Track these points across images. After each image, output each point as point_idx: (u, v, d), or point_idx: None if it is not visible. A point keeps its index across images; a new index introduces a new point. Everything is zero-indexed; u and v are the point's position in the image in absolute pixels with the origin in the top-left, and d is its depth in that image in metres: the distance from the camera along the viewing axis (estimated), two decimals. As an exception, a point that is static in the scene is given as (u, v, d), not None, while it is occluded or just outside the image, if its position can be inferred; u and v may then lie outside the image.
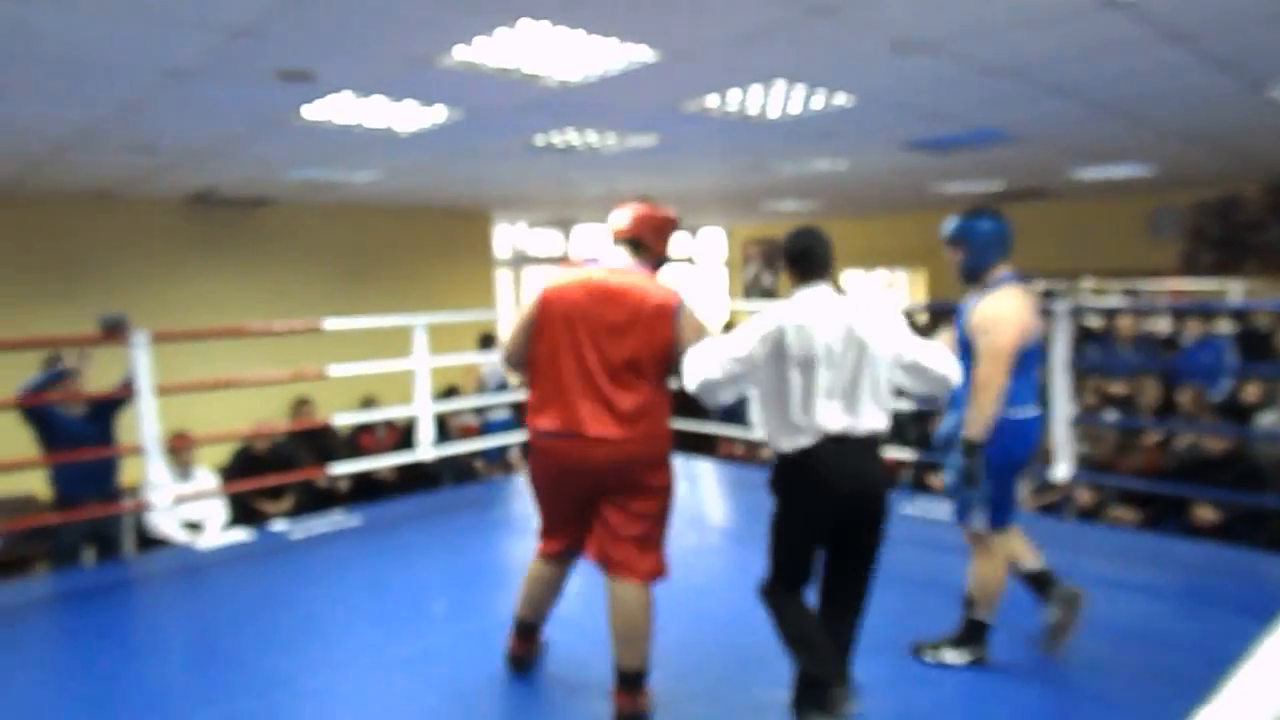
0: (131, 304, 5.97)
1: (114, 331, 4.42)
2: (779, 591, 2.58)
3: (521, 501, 5.73)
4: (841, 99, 4.41)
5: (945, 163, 6.67)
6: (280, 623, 3.62)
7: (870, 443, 2.51)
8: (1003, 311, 2.82)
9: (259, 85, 3.76)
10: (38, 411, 4.49)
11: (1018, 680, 2.96)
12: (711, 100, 4.40)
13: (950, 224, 3.00)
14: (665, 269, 2.89)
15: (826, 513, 2.49)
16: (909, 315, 9.20)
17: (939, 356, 2.57)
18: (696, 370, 2.53)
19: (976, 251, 2.93)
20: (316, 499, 6.19)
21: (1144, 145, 6.10)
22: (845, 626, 2.60)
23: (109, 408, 4.71)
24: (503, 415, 7.29)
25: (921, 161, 6.54)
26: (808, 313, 2.47)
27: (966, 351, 2.89)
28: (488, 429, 7.02)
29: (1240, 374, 6.20)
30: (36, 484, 4.96)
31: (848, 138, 5.51)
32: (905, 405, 5.91)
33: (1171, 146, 6.15)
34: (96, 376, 4.75)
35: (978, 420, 2.78)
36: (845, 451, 2.46)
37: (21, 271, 7.04)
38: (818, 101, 4.45)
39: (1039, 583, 3.08)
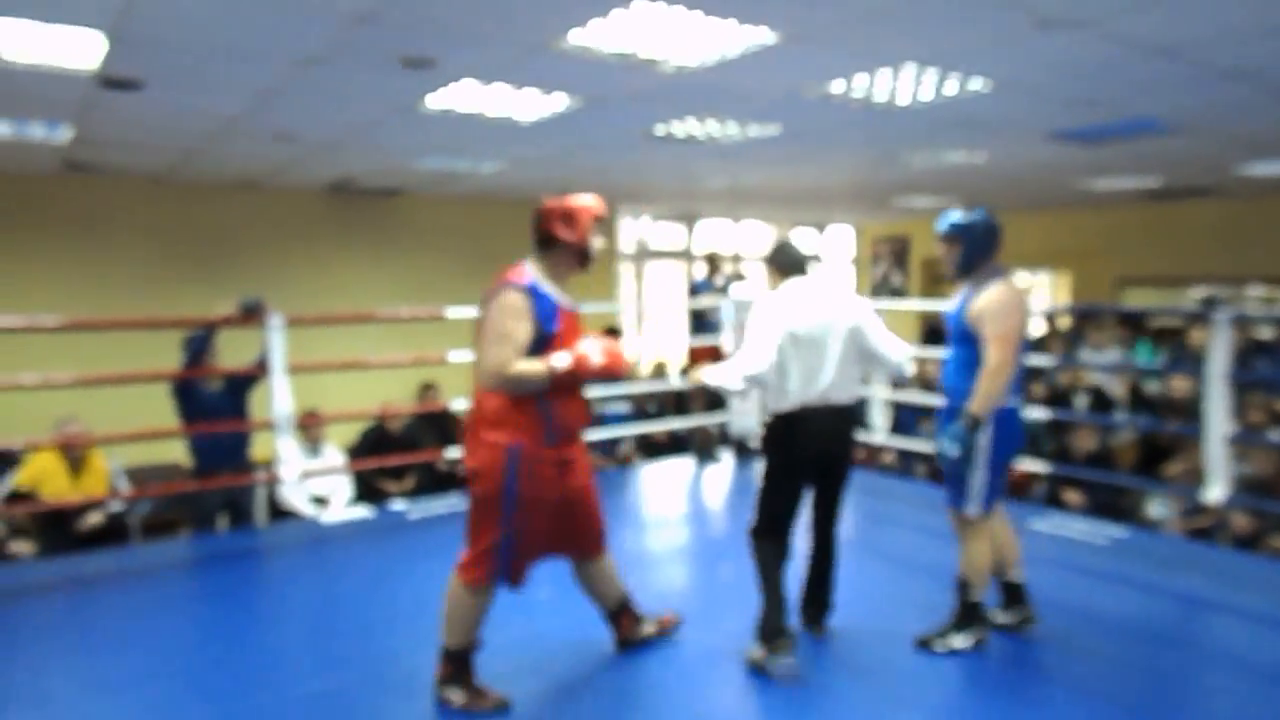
0: (271, 288, 6.29)
1: (252, 314, 4.65)
2: (764, 537, 3.04)
3: (632, 493, 5.71)
4: (978, 84, 4.14)
5: (1095, 156, 6.20)
6: (393, 599, 3.72)
7: (845, 411, 3.06)
8: (1008, 301, 3.04)
9: (384, 73, 3.86)
10: (183, 384, 4.78)
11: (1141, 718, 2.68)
12: (836, 86, 4.22)
13: (946, 221, 3.19)
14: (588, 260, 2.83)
15: (805, 465, 3.04)
16: (1050, 317, 8.65)
17: (895, 345, 3.14)
18: (748, 365, 2.95)
19: (972, 248, 3.14)
20: (436, 481, 6.36)
21: (1329, 136, 5.49)
22: (825, 539, 3.24)
23: (243, 384, 4.96)
24: (620, 409, 7.30)
25: (1068, 154, 6.11)
26: (795, 300, 3.03)
27: (962, 341, 3.12)
28: (604, 421, 7.03)
29: None
30: (180, 454, 5.31)
31: (986, 127, 5.19)
32: (1040, 415, 5.54)
33: (1363, 138, 5.52)
34: (233, 355, 5.01)
35: (986, 398, 2.98)
36: (823, 416, 3.00)
37: (172, 254, 7.56)
38: (951, 87, 4.19)
39: (1008, 592, 3.31)
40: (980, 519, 3.12)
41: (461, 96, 4.36)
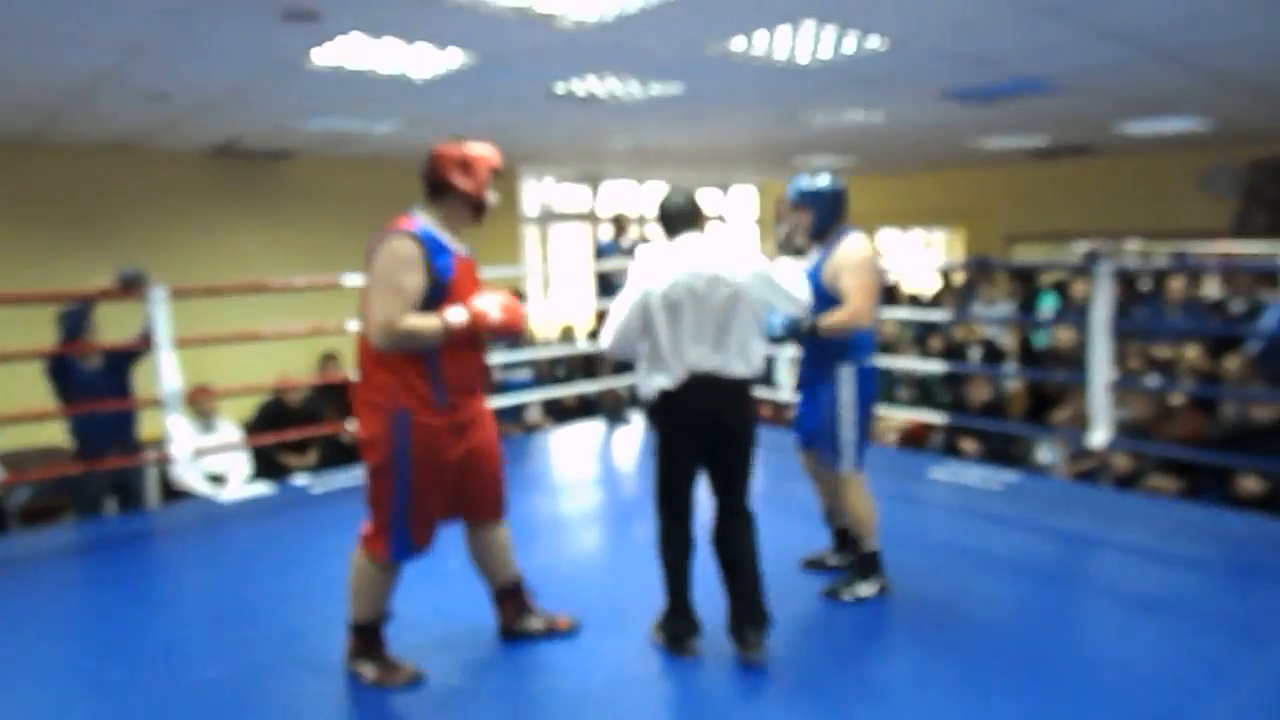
0: (155, 257, 5.94)
1: (132, 286, 4.38)
2: (664, 528, 2.84)
3: (541, 459, 5.68)
4: (875, 42, 4.18)
5: (986, 115, 6.39)
6: (298, 576, 3.60)
7: (736, 385, 2.74)
8: (862, 254, 3.12)
9: (262, 25, 3.64)
10: (59, 362, 4.49)
11: (1033, 650, 2.82)
12: (737, 43, 4.20)
13: (796, 188, 3.26)
14: (482, 212, 2.66)
15: (693, 444, 2.76)
16: (945, 273, 8.93)
17: (795, 279, 2.86)
18: (605, 336, 2.80)
19: (823, 213, 3.23)
20: (340, 453, 6.18)
21: (1202, 97, 5.77)
22: (736, 539, 2.85)
23: (125, 360, 4.70)
24: (523, 375, 7.22)
25: (961, 114, 6.27)
26: (667, 259, 2.71)
27: (820, 301, 3.13)
28: (506, 388, 6.95)
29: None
30: (59, 436, 5.02)
31: (882, 85, 5.27)
32: (936, 368, 5.73)
33: (1232, 99, 5.82)
34: (115, 330, 4.73)
35: (836, 325, 3.06)
36: (708, 390, 2.70)
37: (43, 224, 7.04)
38: (849, 44, 4.23)
39: (844, 537, 3.45)
40: (853, 474, 3.23)
41: (350, 52, 4.16)
